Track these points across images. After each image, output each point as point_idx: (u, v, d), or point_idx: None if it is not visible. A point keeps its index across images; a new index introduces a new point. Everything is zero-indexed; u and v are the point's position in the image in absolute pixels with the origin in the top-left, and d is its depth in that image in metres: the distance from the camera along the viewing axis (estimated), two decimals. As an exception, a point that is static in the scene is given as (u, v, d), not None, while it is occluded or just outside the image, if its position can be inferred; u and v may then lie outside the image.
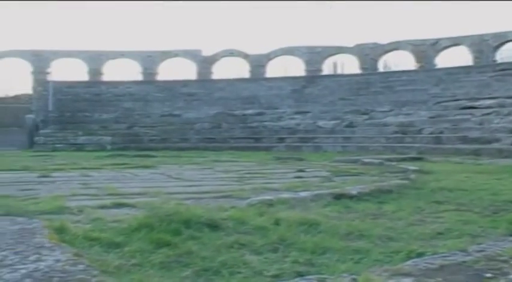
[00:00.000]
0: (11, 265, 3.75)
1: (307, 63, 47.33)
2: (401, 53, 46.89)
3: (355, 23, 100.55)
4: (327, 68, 48.54)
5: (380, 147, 29.27)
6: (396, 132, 31.78)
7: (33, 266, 3.73)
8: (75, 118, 39.15)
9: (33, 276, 3.47)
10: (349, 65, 48.93)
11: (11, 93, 51.58)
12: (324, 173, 14.80)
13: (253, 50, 55.25)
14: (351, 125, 34.72)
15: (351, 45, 47.41)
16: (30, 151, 31.45)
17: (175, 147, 33.08)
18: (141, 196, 9.14)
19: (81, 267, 3.70)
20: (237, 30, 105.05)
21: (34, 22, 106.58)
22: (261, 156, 24.61)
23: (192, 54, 49.24)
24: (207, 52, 49.52)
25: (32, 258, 3.96)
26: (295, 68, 48.86)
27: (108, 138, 35.89)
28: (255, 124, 37.70)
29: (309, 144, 33.28)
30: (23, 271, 3.59)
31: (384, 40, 46.99)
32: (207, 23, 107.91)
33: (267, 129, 36.85)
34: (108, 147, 34.25)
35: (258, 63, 48.23)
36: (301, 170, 15.85)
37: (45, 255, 4.05)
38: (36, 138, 35.76)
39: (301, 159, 22.04)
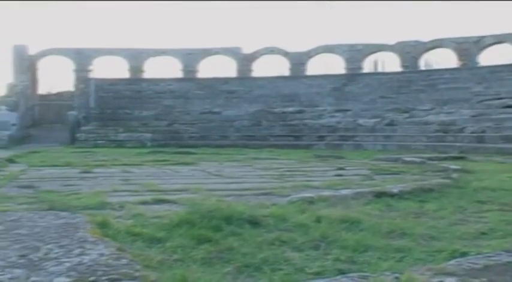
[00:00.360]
0: (56, 258, 3.80)
1: (348, 61, 47.07)
2: (444, 50, 46.34)
3: (397, 21, 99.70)
4: (367, 66, 48.32)
5: (421, 146, 29.03)
6: (437, 131, 31.40)
7: (77, 259, 3.77)
8: (116, 115, 39.50)
9: (78, 269, 3.51)
10: (390, 63, 48.62)
11: (54, 91, 52.35)
12: (365, 171, 14.71)
13: (293, 47, 54.77)
14: (391, 124, 34.42)
15: (392, 43, 47.01)
16: (72, 147, 31.83)
17: (215, 144, 33.21)
18: (182, 192, 9.19)
19: (124, 261, 3.73)
20: (277, 27, 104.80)
21: (77, 20, 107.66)
22: (301, 154, 24.54)
23: (232, 52, 49.32)
24: (247, 50, 49.59)
25: (75, 252, 4.01)
26: (336, 65, 48.69)
27: (149, 135, 36.14)
28: (295, 122, 37.61)
29: (349, 142, 33.14)
30: (68, 264, 3.63)
31: (425, 38, 46.51)
32: (248, 21, 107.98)
33: (307, 127, 36.72)
34: (148, 144, 34.51)
35: (298, 61, 48.10)
36: (341, 168, 15.79)
37: (89, 249, 4.09)
38: (78, 135, 36.15)
39: (341, 157, 21.94)
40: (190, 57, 48.80)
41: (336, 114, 37.70)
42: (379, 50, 48.10)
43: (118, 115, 39.45)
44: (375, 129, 34.43)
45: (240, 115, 39.08)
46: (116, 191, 9.55)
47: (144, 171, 14.94)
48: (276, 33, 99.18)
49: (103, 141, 34.90)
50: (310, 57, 48.90)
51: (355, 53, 47.23)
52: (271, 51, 49.56)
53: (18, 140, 35.97)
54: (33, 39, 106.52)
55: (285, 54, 48.99)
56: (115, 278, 3.31)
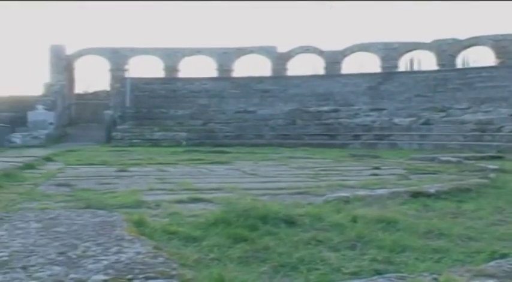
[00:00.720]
0: (93, 256, 3.83)
1: (383, 59, 46.79)
2: (481, 48, 45.79)
3: (433, 19, 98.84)
4: (403, 65, 47.98)
5: (457, 146, 28.77)
6: (474, 130, 31.05)
7: (114, 257, 3.80)
8: (151, 114, 39.74)
9: (115, 267, 3.53)
10: (426, 62, 48.21)
11: (90, 90, 52.87)
12: (400, 171, 14.61)
13: (328, 46, 54.59)
14: (427, 123, 34.14)
15: (428, 41, 46.60)
16: (108, 146, 32.10)
17: (250, 143, 33.26)
18: (217, 191, 9.23)
19: (161, 259, 3.75)
20: (312, 26, 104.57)
21: (112, 20, 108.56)
22: (336, 153, 24.47)
23: (267, 51, 49.33)
24: (282, 49, 49.56)
25: (113, 250, 4.04)
26: (371, 64, 48.42)
27: (184, 134, 36.30)
28: (330, 121, 37.51)
29: (385, 141, 32.98)
30: (105, 262, 3.66)
31: (462, 35, 46.01)
32: (283, 20, 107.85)
33: (342, 126, 36.59)
34: (184, 143, 34.66)
35: (333, 59, 47.95)
36: (376, 168, 15.72)
37: (126, 247, 4.12)
38: (114, 134, 36.44)
39: (376, 157, 21.82)
40: (225, 56, 48.92)
41: (371, 113, 37.52)
42: (415, 48, 47.72)
43: (153, 114, 39.69)
44: (410, 128, 34.17)
45: (275, 114, 39.07)
46: (151, 189, 9.62)
47: (180, 170, 15.02)
48: (311, 32, 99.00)
49: (138, 140, 35.13)
50: (345, 55, 48.70)
51: (390, 52, 46.93)
52: (306, 50, 49.47)
53: (55, 138, 36.41)
54: (70, 39, 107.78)
55: (320, 53, 48.86)
56: (152, 276, 3.32)
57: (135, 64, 49.74)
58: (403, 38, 48.31)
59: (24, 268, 3.50)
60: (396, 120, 35.50)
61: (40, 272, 3.42)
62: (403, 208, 7.01)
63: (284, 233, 5.24)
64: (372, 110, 37.84)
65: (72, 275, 3.34)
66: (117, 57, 48.45)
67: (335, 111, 38.61)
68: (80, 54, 49.26)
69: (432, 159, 19.14)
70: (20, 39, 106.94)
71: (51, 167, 15.61)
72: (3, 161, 14.98)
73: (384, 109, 37.42)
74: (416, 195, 8.20)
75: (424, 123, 34.20)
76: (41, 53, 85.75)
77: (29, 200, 7.82)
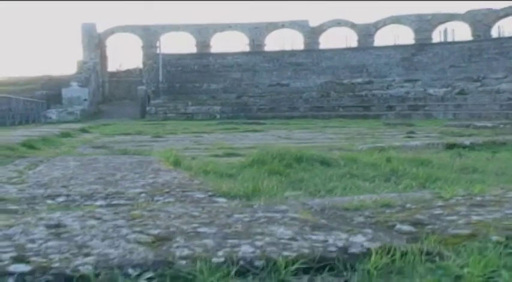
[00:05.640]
0: (131, 180, 3.92)
1: (416, 31, 46.34)
2: (517, 18, 45.12)
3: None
4: (437, 36, 47.41)
5: (493, 115, 28.45)
6: (510, 99, 30.71)
7: (151, 180, 3.89)
8: (184, 89, 39.89)
9: (152, 185, 3.62)
10: (460, 32, 47.61)
11: (123, 68, 53.16)
12: (435, 135, 14.51)
13: (360, 19, 54.20)
14: (462, 93, 33.81)
15: (462, 11, 46.04)
16: (142, 120, 32.32)
17: (284, 116, 33.24)
18: (252, 149, 9.25)
19: (196, 181, 3.83)
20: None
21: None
22: (370, 123, 24.43)
23: (299, 25, 49.13)
24: (313, 23, 49.31)
25: (149, 176, 4.13)
26: (404, 36, 47.99)
27: (217, 108, 36.39)
28: (363, 92, 37.31)
29: (419, 112, 32.73)
30: (142, 182, 3.75)
31: (497, 5, 45.33)
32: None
33: (375, 98, 36.38)
34: (218, 116, 34.76)
35: (365, 32, 47.64)
36: (411, 132, 15.65)
37: (162, 175, 4.20)
38: (148, 108, 36.66)
39: (411, 125, 21.70)
40: (257, 31, 48.82)
41: (405, 84, 37.26)
42: (449, 20, 47.12)
43: (186, 89, 39.83)
44: (445, 98, 33.88)
45: (308, 87, 38.98)
46: (187, 148, 9.70)
47: (215, 136, 15.11)
48: (343, 5, 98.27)
49: (172, 114, 35.30)
50: (378, 28, 48.35)
51: (423, 23, 46.46)
52: (338, 23, 49.19)
53: (90, 115, 36.73)
54: (101, 17, 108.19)
55: (352, 26, 48.56)
56: (188, 190, 3.39)
57: (166, 40, 49.91)
58: (437, 9, 47.60)
59: (64, 186, 3.60)
60: (430, 90, 35.19)
61: (79, 188, 3.51)
62: (438, 155, 7.00)
63: (319, 169, 5.28)
64: (406, 81, 37.57)
65: (110, 189, 3.42)
66: (149, 34, 48.60)
67: (369, 82, 38.41)
68: (111, 32, 49.58)
69: (467, 126, 18.99)
70: (53, 19, 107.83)
71: (87, 136, 15.81)
72: (40, 131, 15.21)
73: (418, 80, 37.13)
74: (451, 146, 8.19)
75: (459, 93, 33.88)
76: (73, 32, 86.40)
77: (67, 155, 7.94)
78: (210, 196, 3.21)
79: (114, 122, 29.77)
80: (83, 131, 18.65)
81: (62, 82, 39.84)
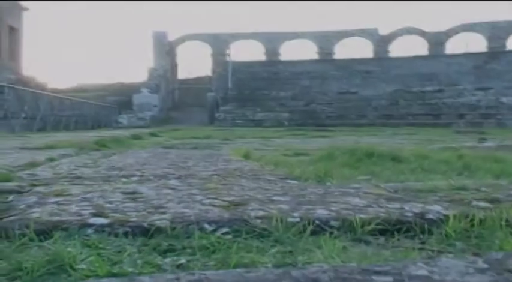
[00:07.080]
0: (203, 166, 3.97)
1: (489, 39, 45.46)
2: None
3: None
4: (511, 44, 46.42)
5: None
6: None
7: (222, 167, 3.92)
8: (253, 96, 40.05)
9: (224, 170, 3.64)
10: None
11: (192, 75, 53.73)
12: (508, 142, 14.19)
13: (431, 27, 53.50)
14: (537, 102, 33.06)
15: (539, 19, 45.03)
16: (211, 126, 32.58)
17: (352, 123, 33.02)
18: (321, 151, 9.22)
19: (267, 169, 3.84)
20: (414, 7, 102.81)
21: (211, 6, 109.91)
22: (440, 131, 24.07)
23: (368, 33, 48.83)
24: (383, 31, 48.93)
25: (221, 164, 4.17)
26: (476, 44, 47.15)
27: (286, 115, 36.42)
28: (433, 101, 36.78)
29: (491, 120, 32.06)
30: (213, 168, 3.79)
31: None
32: (384, 2, 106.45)
33: (446, 106, 35.82)
34: (286, 123, 34.76)
35: (436, 40, 46.98)
36: (483, 139, 15.34)
37: (233, 163, 4.23)
38: (217, 115, 36.96)
39: (482, 133, 21.27)
40: (326, 40, 48.71)
41: (477, 92, 36.58)
42: (525, 27, 46.15)
43: (255, 96, 39.99)
44: (518, 107, 33.16)
45: (377, 95, 38.66)
46: (256, 149, 9.71)
47: (283, 140, 15.11)
48: (413, 13, 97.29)
49: (241, 121, 35.49)
50: (449, 36, 47.61)
51: (497, 31, 45.53)
52: (408, 31, 48.67)
53: (160, 121, 37.24)
54: (172, 25, 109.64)
55: (423, 34, 47.97)
56: (259, 174, 3.40)
57: (235, 48, 50.25)
58: (511, 17, 46.63)
59: (138, 170, 3.67)
60: (503, 99, 34.46)
61: (153, 171, 3.56)
62: (512, 155, 6.83)
63: (389, 164, 5.22)
64: (478, 89, 36.88)
65: (183, 172, 3.46)
66: (218, 42, 49.02)
67: (439, 91, 37.86)
68: (182, 40, 50.21)
69: (543, 133, 18.54)
70: (125, 28, 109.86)
71: (157, 139, 16.01)
72: (112, 133, 15.51)
73: (490, 88, 36.40)
74: (526, 148, 7.99)
75: (534, 102, 33.12)
76: (145, 40, 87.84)
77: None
78: (281, 179, 3.22)
79: (183, 127, 30.10)
80: (153, 134, 18.91)
81: (133, 89, 40.61)
